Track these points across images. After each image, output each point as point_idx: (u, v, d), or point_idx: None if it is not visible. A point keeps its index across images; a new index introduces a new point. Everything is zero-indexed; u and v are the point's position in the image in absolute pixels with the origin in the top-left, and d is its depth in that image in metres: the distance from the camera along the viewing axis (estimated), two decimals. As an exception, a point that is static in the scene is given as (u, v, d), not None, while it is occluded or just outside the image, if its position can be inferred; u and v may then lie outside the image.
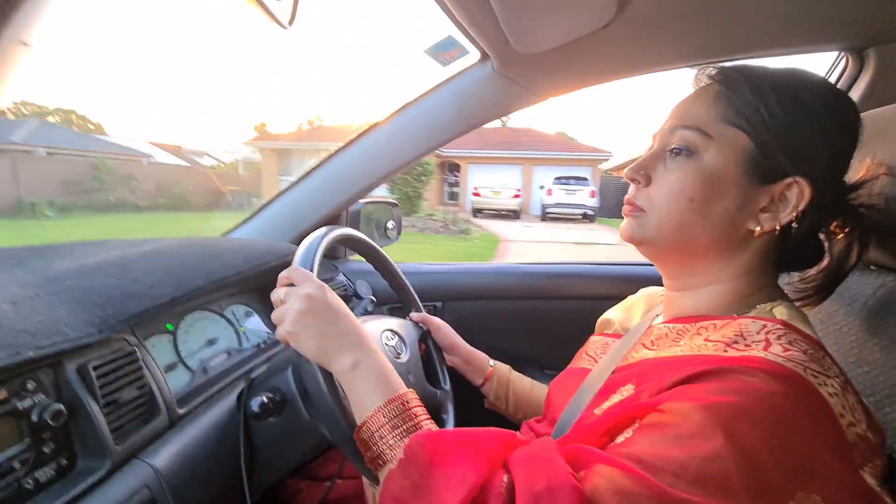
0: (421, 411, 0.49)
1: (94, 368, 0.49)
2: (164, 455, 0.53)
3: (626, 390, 0.48)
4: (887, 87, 0.79)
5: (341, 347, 0.52)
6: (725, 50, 0.79)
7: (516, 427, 0.78)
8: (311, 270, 0.59)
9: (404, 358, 0.72)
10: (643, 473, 0.35)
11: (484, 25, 0.67)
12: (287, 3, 0.40)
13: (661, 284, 0.70)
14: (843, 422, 0.36)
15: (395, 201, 1.42)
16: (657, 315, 0.62)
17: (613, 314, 0.76)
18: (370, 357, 0.52)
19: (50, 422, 0.44)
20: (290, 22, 0.42)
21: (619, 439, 0.41)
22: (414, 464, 0.43)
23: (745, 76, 0.49)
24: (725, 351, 0.42)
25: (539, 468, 0.39)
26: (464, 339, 0.89)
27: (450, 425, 0.80)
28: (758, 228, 0.47)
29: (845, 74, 0.83)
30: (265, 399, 0.59)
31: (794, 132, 0.46)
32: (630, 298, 0.76)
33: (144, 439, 0.53)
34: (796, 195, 0.46)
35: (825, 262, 0.52)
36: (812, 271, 0.53)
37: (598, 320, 0.79)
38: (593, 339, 0.73)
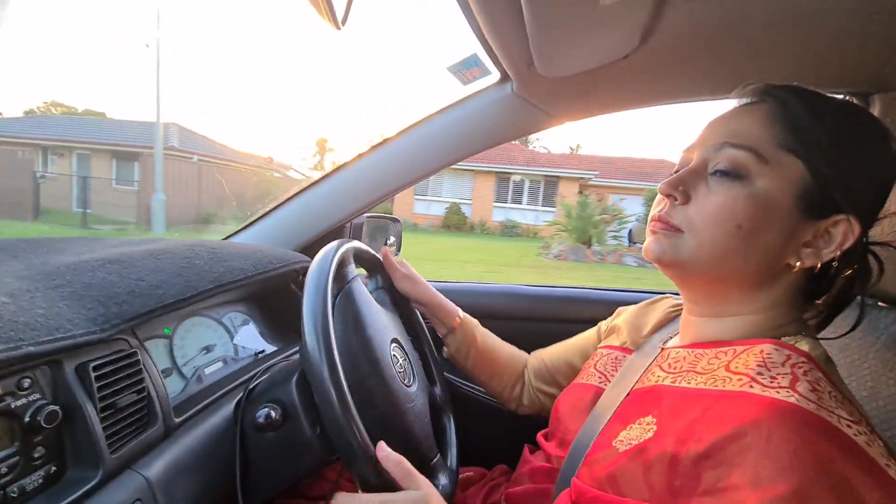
0: None
1: (94, 369, 0.46)
2: (159, 466, 0.50)
3: (648, 423, 0.46)
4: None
5: None
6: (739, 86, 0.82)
7: (524, 430, 0.76)
8: (326, 283, 0.56)
9: (414, 386, 0.69)
10: None
11: (512, 46, 0.68)
12: (342, 3, 0.40)
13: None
14: (891, 472, 0.35)
15: (396, 217, 1.41)
16: (673, 334, 0.60)
17: (621, 322, 0.72)
18: None
19: (43, 424, 0.40)
20: (343, 22, 0.41)
21: None
22: None
23: (802, 98, 0.46)
24: (751, 386, 0.40)
25: None
26: None
27: (451, 428, 0.78)
28: (798, 264, 0.45)
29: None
30: (271, 411, 0.56)
31: (849, 167, 0.44)
32: (640, 307, 0.72)
33: (140, 448, 0.50)
34: (842, 232, 0.44)
35: (828, 294, 0.51)
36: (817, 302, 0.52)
37: (606, 325, 0.77)
38: (601, 351, 0.70)
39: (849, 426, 0.36)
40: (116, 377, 0.48)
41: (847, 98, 0.50)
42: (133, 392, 0.50)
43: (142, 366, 0.52)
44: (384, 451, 0.51)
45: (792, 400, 0.36)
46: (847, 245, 0.44)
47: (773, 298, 0.48)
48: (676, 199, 0.48)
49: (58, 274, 0.54)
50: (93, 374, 0.45)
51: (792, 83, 0.78)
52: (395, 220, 1.44)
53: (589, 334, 0.81)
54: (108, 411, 0.46)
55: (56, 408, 0.41)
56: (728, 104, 0.53)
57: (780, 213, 0.45)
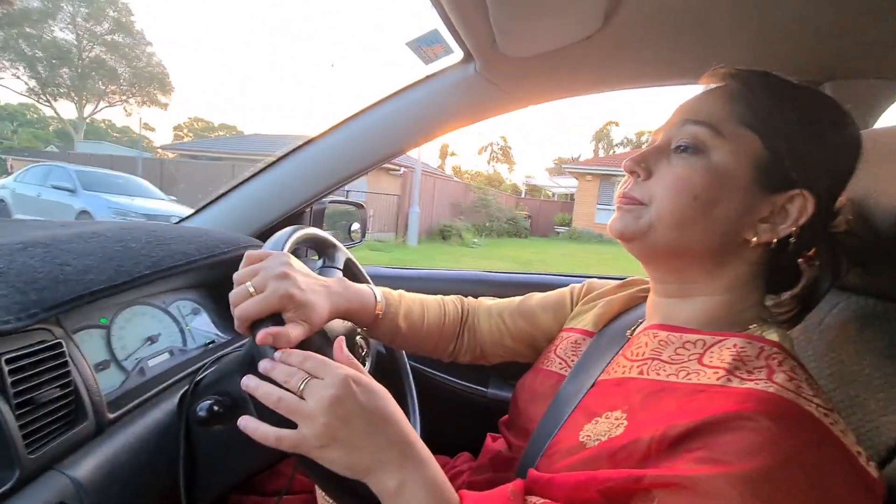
0: None
1: (8, 362, 0.41)
2: (88, 465, 0.46)
3: (616, 419, 0.45)
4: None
5: (383, 467, 0.41)
6: (697, 74, 0.82)
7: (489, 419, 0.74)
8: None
9: (367, 368, 0.68)
10: None
11: (474, 23, 0.65)
12: None
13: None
14: (861, 460, 0.36)
15: (361, 203, 1.37)
16: (639, 321, 0.59)
17: (587, 302, 0.70)
18: (420, 474, 0.42)
19: None
20: None
21: None
22: None
23: (763, 81, 0.48)
24: (729, 381, 0.40)
25: None
26: None
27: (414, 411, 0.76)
28: (754, 239, 0.46)
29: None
30: (213, 403, 0.53)
31: (806, 143, 0.45)
32: (609, 288, 0.70)
33: (65, 447, 0.45)
34: (798, 209, 0.45)
35: (800, 286, 0.51)
36: (786, 296, 0.53)
37: (586, 284, 0.73)
38: (563, 334, 0.68)
39: (825, 415, 0.37)
40: (36, 370, 0.44)
41: (809, 86, 0.50)
42: (56, 387, 0.45)
43: (68, 358, 0.47)
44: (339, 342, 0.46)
45: (772, 390, 0.37)
46: (802, 221, 0.45)
47: (733, 278, 0.49)
48: (640, 176, 0.49)
49: None
50: (5, 368, 0.41)
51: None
52: (360, 206, 1.40)
53: (560, 298, 0.74)
54: (26, 408, 0.42)
55: None
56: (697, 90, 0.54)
57: (735, 185, 0.46)
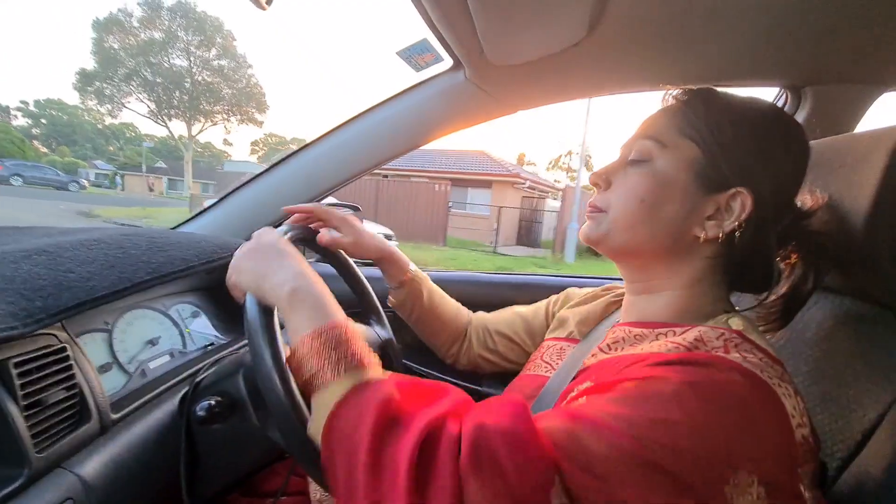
0: (362, 346, 0.46)
1: (16, 366, 0.43)
2: (93, 464, 0.48)
3: (586, 388, 0.48)
4: (821, 123, 0.87)
5: (277, 275, 0.50)
6: (682, 79, 0.84)
7: None
8: None
9: None
10: (595, 419, 0.37)
11: (461, 33, 0.67)
12: None
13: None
14: (794, 422, 0.39)
15: (357, 205, 1.39)
16: (615, 322, 0.63)
17: (570, 314, 0.74)
18: (309, 283, 0.49)
19: None
20: (268, 2, 0.40)
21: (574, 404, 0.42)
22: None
23: (703, 97, 0.53)
24: (687, 350, 0.44)
25: (494, 410, 0.39)
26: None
27: None
28: (703, 234, 0.51)
29: (785, 108, 0.91)
30: (212, 403, 0.55)
31: (739, 147, 0.50)
32: (588, 295, 0.76)
33: (71, 446, 0.48)
34: (739, 205, 0.49)
35: (784, 288, 0.55)
36: (771, 297, 0.56)
37: (557, 316, 0.77)
38: (548, 343, 0.72)
39: (770, 378, 0.39)
40: (43, 373, 0.46)
41: (754, 97, 0.55)
42: (62, 388, 0.48)
43: (72, 361, 0.50)
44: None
45: (720, 355, 0.41)
46: (744, 216, 0.49)
47: (693, 273, 0.53)
48: (601, 187, 0.56)
49: None
50: (14, 371, 0.43)
51: (729, 76, 0.81)
52: (356, 209, 1.42)
53: (537, 308, 0.83)
54: (34, 409, 0.44)
55: None
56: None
57: (676, 187, 0.51)
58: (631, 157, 0.54)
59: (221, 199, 0.99)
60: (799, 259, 0.55)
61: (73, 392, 0.49)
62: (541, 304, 0.83)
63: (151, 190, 34.55)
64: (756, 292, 0.56)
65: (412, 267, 0.84)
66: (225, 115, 32.86)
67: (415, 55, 0.75)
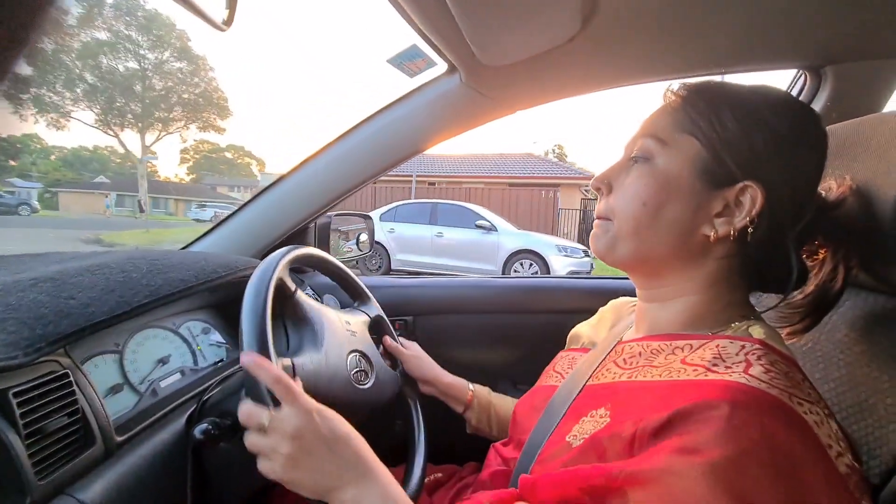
0: None
1: (16, 395, 0.44)
2: (97, 489, 0.49)
3: (601, 416, 0.46)
4: (844, 104, 0.81)
5: (341, 482, 0.47)
6: (687, 67, 0.80)
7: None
8: (266, 339, 0.52)
9: (368, 384, 0.69)
10: None
11: (450, 38, 0.66)
12: (221, 2, 0.38)
13: (632, 296, 0.70)
14: (832, 453, 0.36)
15: (368, 214, 1.40)
16: (628, 327, 0.61)
17: (583, 328, 0.75)
18: (373, 489, 0.47)
19: None
20: (228, 23, 0.39)
21: None
22: None
23: (703, 90, 0.51)
24: (706, 375, 0.41)
25: None
26: (435, 353, 0.87)
27: (419, 419, 0.78)
28: (713, 233, 0.48)
29: (804, 91, 0.85)
30: (209, 425, 0.55)
31: (744, 140, 0.47)
32: (599, 311, 0.75)
33: (74, 472, 0.48)
34: (749, 200, 0.46)
35: (811, 287, 0.51)
36: (798, 297, 0.53)
37: (569, 335, 0.77)
38: (561, 354, 0.71)
39: (800, 404, 0.36)
40: (44, 401, 0.47)
41: (762, 83, 0.51)
42: (64, 415, 0.49)
43: (75, 387, 0.50)
44: (251, 360, 0.48)
45: (742, 380, 0.37)
46: (755, 210, 0.46)
47: (707, 276, 0.50)
48: (603, 192, 0.54)
49: None
50: (13, 401, 0.44)
51: (740, 62, 0.77)
52: (367, 217, 1.42)
53: None
54: (35, 437, 0.45)
55: None
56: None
57: (680, 186, 0.48)
58: (632, 156, 0.52)
59: (227, 218, 1.01)
60: (826, 254, 0.51)
61: (75, 417, 0.50)
62: None
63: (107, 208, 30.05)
64: (779, 292, 0.52)
65: (470, 385, 0.84)
66: (183, 123, 29.51)
67: (406, 62, 0.74)
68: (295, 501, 0.75)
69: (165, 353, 0.76)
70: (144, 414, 0.63)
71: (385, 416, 0.77)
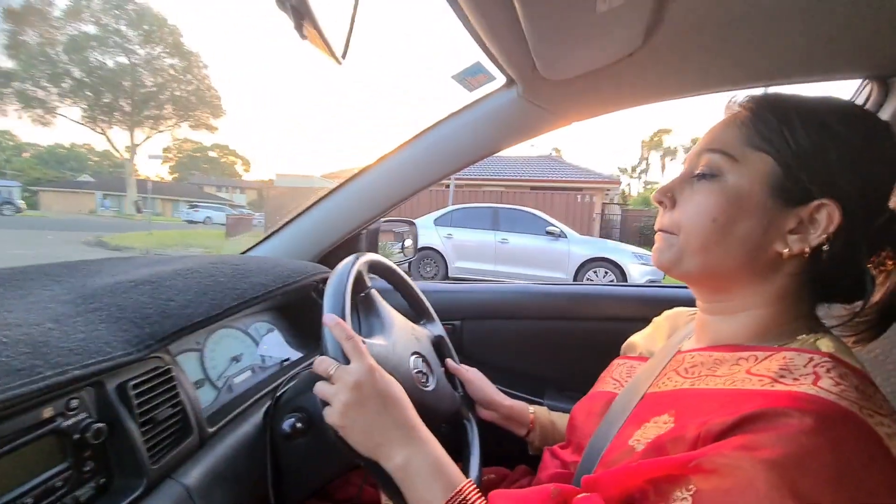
0: (482, 502, 0.49)
1: (134, 387, 0.49)
2: (195, 474, 0.54)
3: (664, 421, 0.47)
4: (913, 115, 0.79)
5: (391, 443, 0.51)
6: (748, 78, 0.80)
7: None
8: (345, 311, 0.59)
9: (429, 387, 0.72)
10: None
11: (514, 53, 0.68)
12: (341, 38, 0.42)
13: (685, 305, 0.70)
14: None
15: (412, 220, 1.43)
16: (686, 338, 0.61)
17: (637, 339, 0.75)
18: (423, 451, 0.50)
19: (91, 440, 0.44)
20: (343, 56, 0.43)
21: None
22: None
23: (771, 103, 0.50)
24: (773, 385, 0.41)
25: None
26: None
27: (474, 434, 0.79)
28: (786, 250, 0.47)
29: (870, 102, 0.84)
30: (295, 420, 0.60)
31: (819, 155, 0.46)
32: (654, 322, 0.75)
33: (177, 458, 0.53)
34: (826, 217, 0.46)
35: (878, 296, 0.50)
36: (866, 306, 0.51)
37: (624, 344, 0.78)
38: (617, 362, 0.72)
39: (871, 416, 0.36)
40: (154, 393, 0.52)
41: (829, 95, 0.50)
42: (169, 406, 0.53)
43: (176, 381, 0.55)
44: (332, 319, 0.55)
45: (812, 392, 0.37)
46: (832, 228, 0.46)
47: (776, 291, 0.49)
48: (666, 206, 0.54)
49: (95, 297, 0.58)
50: (131, 392, 0.49)
51: (802, 73, 0.76)
52: (411, 223, 1.46)
53: None
54: (148, 425, 0.50)
55: (102, 425, 0.45)
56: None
57: (752, 203, 0.48)
58: (698, 172, 0.51)
59: (288, 223, 1.06)
60: (894, 264, 0.50)
61: (177, 409, 0.54)
62: None
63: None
64: (845, 302, 0.51)
65: (530, 408, 0.84)
66: (174, 121, 28.47)
67: (469, 77, 0.77)
68: (357, 487, 0.79)
69: (238, 352, 0.81)
70: (226, 408, 0.68)
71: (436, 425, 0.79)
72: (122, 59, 26.55)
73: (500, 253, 7.26)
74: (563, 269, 7.01)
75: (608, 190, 14.31)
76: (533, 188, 13.97)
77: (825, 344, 0.45)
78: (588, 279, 6.92)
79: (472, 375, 0.84)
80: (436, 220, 7.67)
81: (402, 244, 1.44)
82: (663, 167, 41.83)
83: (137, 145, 28.30)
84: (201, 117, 29.22)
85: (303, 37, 0.39)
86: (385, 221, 1.25)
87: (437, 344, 0.84)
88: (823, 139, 0.46)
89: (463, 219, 7.58)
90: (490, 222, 7.43)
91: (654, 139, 42.02)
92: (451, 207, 8.09)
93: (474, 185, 14.25)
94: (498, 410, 0.83)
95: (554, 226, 7.25)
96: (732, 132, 0.51)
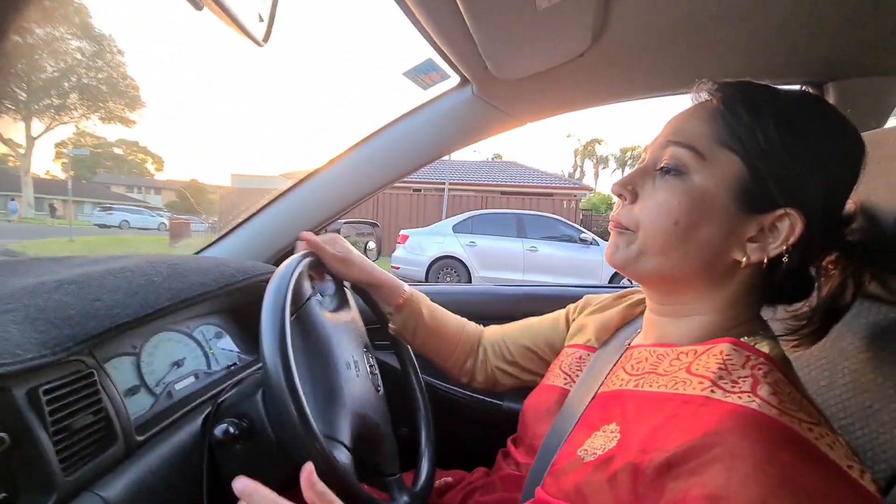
0: None
1: (45, 392, 0.45)
2: (119, 486, 0.50)
3: (611, 431, 0.46)
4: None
5: None
6: (695, 81, 0.83)
7: (496, 444, 0.76)
8: (284, 311, 0.57)
9: (381, 387, 0.70)
10: None
11: (464, 51, 0.68)
12: (260, 18, 0.40)
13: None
14: (854, 473, 0.35)
15: (376, 221, 1.42)
16: (636, 332, 0.60)
17: (587, 315, 0.73)
18: None
19: None
20: (265, 39, 0.41)
21: None
22: None
23: (745, 96, 0.47)
24: (713, 391, 0.40)
25: None
26: None
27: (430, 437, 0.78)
28: (744, 259, 0.45)
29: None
30: (229, 426, 0.57)
31: (790, 162, 0.44)
32: (608, 300, 0.72)
33: (97, 470, 0.49)
34: (787, 227, 0.44)
35: (816, 299, 0.50)
36: (804, 308, 0.51)
37: (581, 302, 0.76)
38: (567, 350, 0.70)
39: (810, 429, 0.36)
40: (71, 399, 0.48)
41: (803, 90, 0.49)
42: (89, 413, 0.50)
43: (99, 386, 0.52)
44: (309, 472, 0.46)
45: (754, 406, 0.36)
46: (793, 239, 0.44)
47: (728, 297, 0.48)
48: (626, 199, 0.50)
49: (13, 297, 0.54)
50: (43, 398, 0.45)
51: (744, 77, 0.79)
52: (375, 225, 1.44)
53: (556, 317, 0.79)
54: (62, 434, 0.46)
55: (3, 435, 0.41)
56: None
57: (716, 207, 0.45)
58: (662, 165, 0.48)
59: (242, 223, 1.02)
60: (837, 269, 0.50)
61: (99, 416, 0.51)
62: (560, 313, 0.79)
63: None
64: (789, 304, 0.51)
65: (407, 288, 0.81)
66: (81, 112, 24.78)
67: (421, 74, 0.76)
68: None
69: (180, 357, 0.77)
70: (161, 415, 0.64)
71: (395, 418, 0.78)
72: (16, 38, 24.50)
73: (528, 261, 6.83)
74: (596, 277, 6.71)
75: (574, 195, 14.60)
76: (503, 193, 14.06)
77: (763, 345, 0.44)
78: (623, 286, 6.99)
79: (326, 238, 0.79)
80: (454, 226, 7.11)
81: (366, 246, 1.42)
82: (596, 175, 43.08)
83: (35, 138, 24.01)
84: (114, 109, 25.87)
85: (198, 7, 0.36)
86: (346, 223, 1.23)
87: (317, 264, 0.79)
88: (796, 144, 0.44)
89: (484, 225, 7.07)
90: (515, 229, 7.02)
91: (587, 148, 43.17)
92: (469, 213, 7.60)
93: (441, 188, 14.18)
94: (368, 283, 0.80)
95: (585, 232, 7.00)
96: (701, 126, 0.47)
